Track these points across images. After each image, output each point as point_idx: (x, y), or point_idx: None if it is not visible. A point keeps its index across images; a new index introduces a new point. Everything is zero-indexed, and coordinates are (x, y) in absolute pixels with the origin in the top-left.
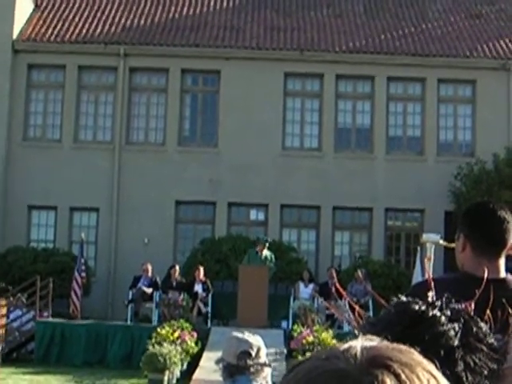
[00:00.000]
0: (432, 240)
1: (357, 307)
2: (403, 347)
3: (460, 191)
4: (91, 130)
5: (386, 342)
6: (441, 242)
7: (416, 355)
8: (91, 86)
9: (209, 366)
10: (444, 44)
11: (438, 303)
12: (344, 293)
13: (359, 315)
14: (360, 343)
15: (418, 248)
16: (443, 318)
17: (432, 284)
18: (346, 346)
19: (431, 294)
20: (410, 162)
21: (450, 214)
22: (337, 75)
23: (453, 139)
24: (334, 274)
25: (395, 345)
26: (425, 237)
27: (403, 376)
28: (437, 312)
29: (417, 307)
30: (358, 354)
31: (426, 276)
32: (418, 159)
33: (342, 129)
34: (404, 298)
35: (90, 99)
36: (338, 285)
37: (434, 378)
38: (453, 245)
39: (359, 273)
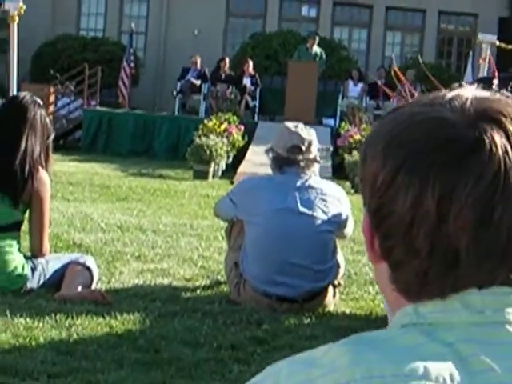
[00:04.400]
0: (488, 40)
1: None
2: None
3: None
4: None
5: (500, 96)
6: (497, 42)
7: None
8: None
9: (254, 159)
10: None
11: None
12: (392, 93)
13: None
14: (470, 92)
15: (470, 52)
16: None
17: (496, 74)
18: (454, 93)
19: (496, 82)
20: None
21: (504, 20)
22: None
23: None
24: (391, 71)
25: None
26: (481, 37)
27: None
28: None
29: None
30: (468, 103)
31: (478, 76)
32: None
33: None
34: None
35: None
36: (392, 82)
37: None
38: (509, 46)
39: (410, 73)
